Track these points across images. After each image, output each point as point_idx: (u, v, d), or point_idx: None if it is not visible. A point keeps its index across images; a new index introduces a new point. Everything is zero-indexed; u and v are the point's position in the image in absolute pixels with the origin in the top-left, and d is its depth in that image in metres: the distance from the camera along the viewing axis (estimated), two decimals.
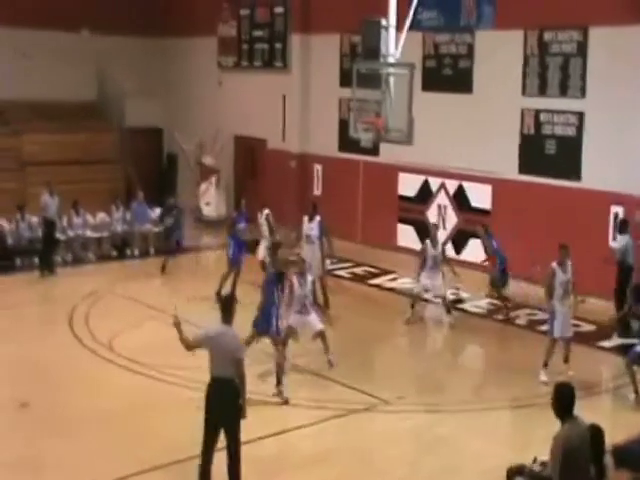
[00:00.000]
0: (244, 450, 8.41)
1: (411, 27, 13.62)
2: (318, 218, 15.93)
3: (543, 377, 11.90)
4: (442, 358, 14.01)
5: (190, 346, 8.47)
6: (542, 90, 17.10)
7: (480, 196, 18.29)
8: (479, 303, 16.21)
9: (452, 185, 18.88)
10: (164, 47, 25.80)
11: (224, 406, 8.23)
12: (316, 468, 9.33)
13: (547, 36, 16.90)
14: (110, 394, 11.29)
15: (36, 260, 18.17)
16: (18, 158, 23.12)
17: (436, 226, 16.70)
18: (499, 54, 17.62)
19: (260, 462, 9.17)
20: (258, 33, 23.55)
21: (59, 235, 18.96)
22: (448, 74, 18.87)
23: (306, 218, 16.07)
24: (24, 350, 12.87)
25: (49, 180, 19.09)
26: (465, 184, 18.62)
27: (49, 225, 18.33)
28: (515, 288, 15.86)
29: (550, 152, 17.04)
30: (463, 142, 18.30)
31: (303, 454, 9.78)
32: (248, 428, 8.54)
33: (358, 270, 18.56)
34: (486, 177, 17.99)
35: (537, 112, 17.15)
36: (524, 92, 17.39)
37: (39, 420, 10.47)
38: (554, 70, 16.89)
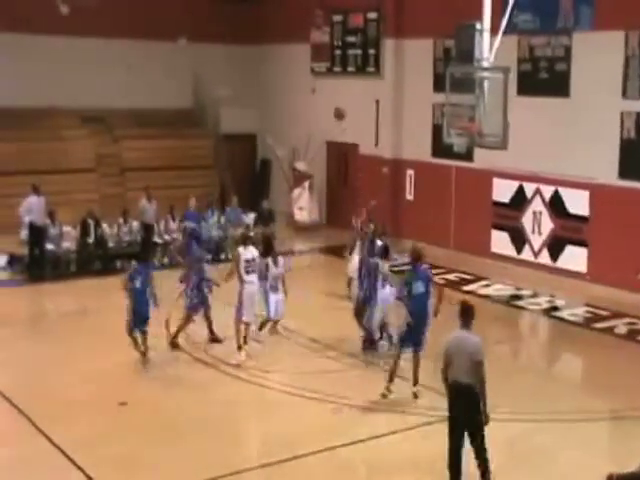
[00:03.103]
0: (339, 453, 8.40)
1: (506, 30, 13.46)
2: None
3: None
4: (538, 367, 13.75)
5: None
6: None
7: (577, 202, 17.87)
8: (576, 311, 15.86)
9: (548, 191, 18.52)
10: (258, 54, 26.11)
11: (467, 411, 8.47)
12: (407, 475, 9.27)
13: None
14: (204, 396, 11.48)
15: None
16: (118, 164, 23.82)
17: None
18: (598, 56, 17.20)
19: (350, 467, 9.16)
20: (351, 39, 23.61)
21: (157, 239, 19.39)
22: (544, 78, 18.53)
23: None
24: (124, 349, 13.14)
25: (147, 185, 19.60)
26: (561, 190, 18.23)
27: (147, 229, 18.76)
28: (616, 296, 15.45)
29: None
30: (559, 147, 17.93)
31: (394, 460, 9.71)
32: (340, 431, 8.54)
33: (451, 276, 18.39)
34: (584, 182, 17.58)
35: (638, 115, 16.68)
36: (624, 95, 16.93)
37: (136, 420, 10.72)
38: None
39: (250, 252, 12.95)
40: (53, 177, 21.30)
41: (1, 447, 9.94)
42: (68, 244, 18.73)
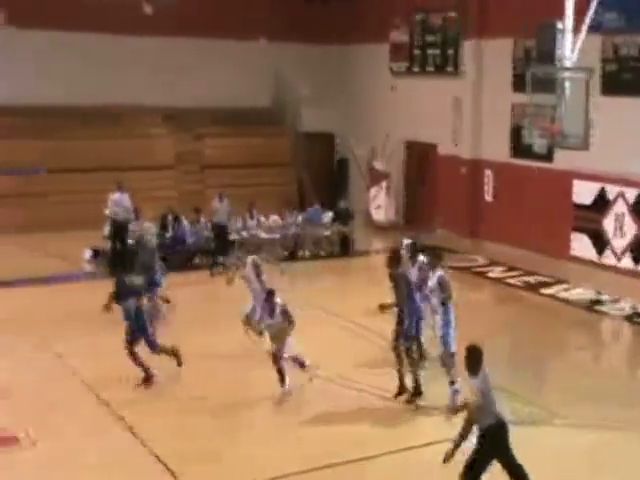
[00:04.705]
0: (398, 457, 8.36)
1: (589, 29, 13.22)
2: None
3: None
4: (619, 372, 13.45)
5: None
6: None
7: None
8: None
9: (632, 193, 18.12)
10: (337, 54, 26.19)
11: (496, 451, 8.13)
12: None
13: None
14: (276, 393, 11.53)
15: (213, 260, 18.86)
16: (198, 161, 24.22)
17: None
18: None
19: (410, 472, 9.14)
20: (430, 38, 23.51)
21: (235, 236, 19.61)
22: (629, 78, 18.13)
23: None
24: (206, 343, 13.34)
25: (222, 189, 19.69)
26: None
27: (219, 229, 19.00)
28: None
29: None
30: None
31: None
32: (401, 435, 8.50)
33: (529, 279, 18.13)
34: None
35: None
36: None
37: (216, 413, 10.86)
38: None
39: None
40: (135, 174, 21.74)
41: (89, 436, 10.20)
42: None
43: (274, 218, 20.77)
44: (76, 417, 10.69)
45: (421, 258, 12.83)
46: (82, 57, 22.82)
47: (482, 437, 7.99)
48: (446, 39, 22.94)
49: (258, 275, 13.65)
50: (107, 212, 18.79)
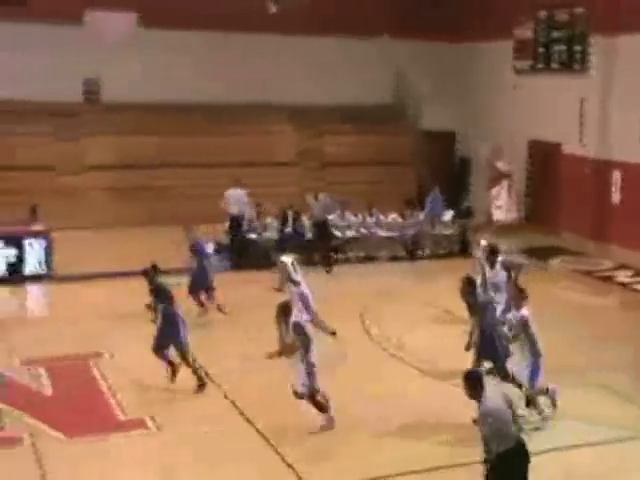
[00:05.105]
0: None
1: None
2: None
3: None
4: None
5: None
6: None
7: None
8: None
9: None
10: (459, 51, 25.93)
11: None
12: None
13: None
14: (391, 391, 11.57)
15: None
16: (320, 158, 24.44)
17: None
18: None
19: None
20: (556, 35, 22.99)
21: (352, 233, 19.72)
22: None
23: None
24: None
25: (316, 193, 19.81)
26: None
27: (318, 225, 19.20)
28: None
29: None
30: None
31: (585, 474, 9.40)
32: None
33: None
34: None
35: None
36: None
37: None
38: None
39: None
40: (257, 170, 22.20)
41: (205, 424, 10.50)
42: (269, 234, 19.45)
43: (393, 216, 20.77)
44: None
45: (500, 259, 12.65)
46: (209, 56, 23.41)
47: (500, 462, 7.41)
48: (572, 35, 22.37)
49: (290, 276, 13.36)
50: (224, 206, 19.20)
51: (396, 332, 13.94)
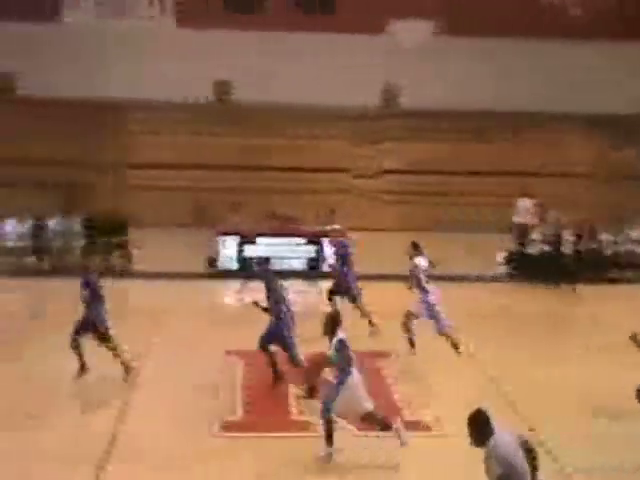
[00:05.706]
0: None
1: None
2: None
3: None
4: None
5: None
6: None
7: None
8: None
9: None
10: None
11: None
12: None
13: None
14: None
15: None
16: (623, 171, 23.16)
17: None
18: None
19: None
20: None
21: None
22: None
23: None
24: None
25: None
26: None
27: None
28: None
29: None
30: None
31: None
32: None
33: None
34: None
35: None
36: None
37: None
38: None
39: None
40: (549, 180, 22.01)
41: None
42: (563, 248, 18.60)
43: None
44: None
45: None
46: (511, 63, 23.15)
47: None
48: None
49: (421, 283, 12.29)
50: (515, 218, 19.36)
51: None
